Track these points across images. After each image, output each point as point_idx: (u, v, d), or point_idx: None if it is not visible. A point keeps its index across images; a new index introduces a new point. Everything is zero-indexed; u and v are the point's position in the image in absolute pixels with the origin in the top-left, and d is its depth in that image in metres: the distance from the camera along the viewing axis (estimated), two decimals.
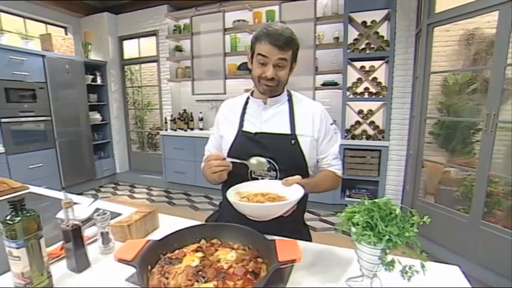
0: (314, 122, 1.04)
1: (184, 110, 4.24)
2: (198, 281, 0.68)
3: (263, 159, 0.95)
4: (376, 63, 3.08)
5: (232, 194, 0.87)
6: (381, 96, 3.08)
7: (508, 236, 1.91)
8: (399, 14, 2.79)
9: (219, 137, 1.16)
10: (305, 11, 3.33)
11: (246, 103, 1.13)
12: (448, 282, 0.73)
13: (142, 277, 0.66)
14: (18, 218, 0.67)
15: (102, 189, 4.30)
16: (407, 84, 2.91)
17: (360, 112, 3.24)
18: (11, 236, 0.66)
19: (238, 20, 3.72)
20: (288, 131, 1.02)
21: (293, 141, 1.01)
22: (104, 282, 0.76)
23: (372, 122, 3.23)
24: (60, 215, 1.13)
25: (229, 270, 0.72)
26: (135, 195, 4.06)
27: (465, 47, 2.71)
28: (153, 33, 4.19)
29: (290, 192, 0.88)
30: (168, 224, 1.11)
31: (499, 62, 1.95)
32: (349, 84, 3.20)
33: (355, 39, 3.10)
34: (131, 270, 0.76)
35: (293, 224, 1.08)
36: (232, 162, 0.96)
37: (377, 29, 3.01)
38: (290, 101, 1.08)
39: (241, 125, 1.08)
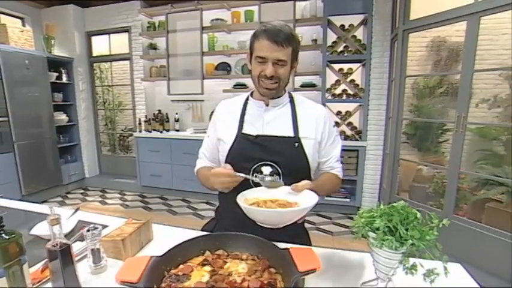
0: (317, 124, 1.02)
1: (159, 110, 4.07)
2: None
3: (280, 181, 0.90)
4: (353, 66, 3.18)
5: (241, 200, 0.82)
6: (358, 98, 3.18)
7: (474, 227, 2.08)
8: (375, 19, 2.91)
9: (216, 140, 1.10)
10: (284, 13, 3.35)
11: (245, 104, 1.08)
12: (455, 280, 0.75)
13: None
14: None
15: (69, 196, 3.98)
16: (383, 86, 3.04)
17: (339, 113, 3.33)
18: None
19: (216, 19, 3.64)
20: (291, 134, 0.99)
21: (296, 144, 0.98)
22: None
23: (350, 123, 3.33)
24: (37, 231, 1.01)
25: (243, 284, 0.68)
26: (107, 200, 3.81)
27: (435, 53, 2.89)
28: (125, 30, 3.96)
29: (299, 198, 0.85)
30: (162, 234, 1.03)
31: (467, 68, 2.10)
32: (327, 85, 3.27)
33: (334, 42, 3.17)
34: None
35: (293, 229, 1.06)
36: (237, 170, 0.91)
37: (354, 32, 3.11)
38: (292, 102, 1.05)
39: (240, 127, 1.03)
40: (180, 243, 0.79)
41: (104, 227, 1.05)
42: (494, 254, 1.94)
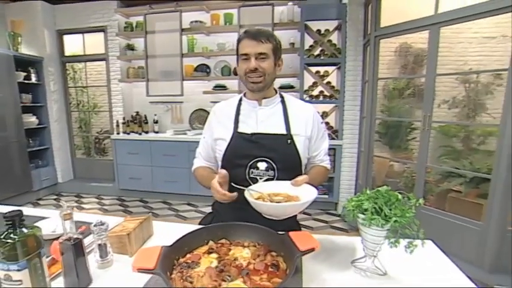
0: (307, 122, 1.11)
1: (137, 112, 4.00)
2: (224, 281, 0.69)
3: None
4: (329, 69, 3.36)
5: (248, 195, 0.89)
6: (334, 99, 3.36)
7: (439, 215, 2.31)
8: (349, 25, 3.10)
9: (212, 140, 1.15)
10: (263, 17, 3.45)
11: (239, 104, 1.14)
12: (426, 255, 0.87)
13: (169, 284, 0.65)
14: (17, 236, 0.59)
15: (41, 202, 3.77)
16: (357, 88, 3.24)
17: None
18: (9, 257, 0.58)
19: (196, 21, 3.66)
20: (283, 131, 1.07)
21: (289, 141, 1.06)
22: None
23: (327, 123, 3.50)
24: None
25: (249, 267, 0.75)
26: (84, 205, 3.67)
27: (403, 58, 3.14)
28: (101, 29, 3.85)
29: (299, 191, 0.93)
30: (161, 229, 1.07)
31: (430, 72, 2.33)
32: (305, 87, 3.42)
33: (311, 46, 3.33)
34: (137, 282, 0.74)
35: (288, 222, 1.15)
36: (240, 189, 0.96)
37: (330, 37, 3.28)
38: (283, 102, 1.13)
39: (236, 126, 1.09)
40: (186, 234, 0.84)
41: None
42: (457, 238, 2.17)
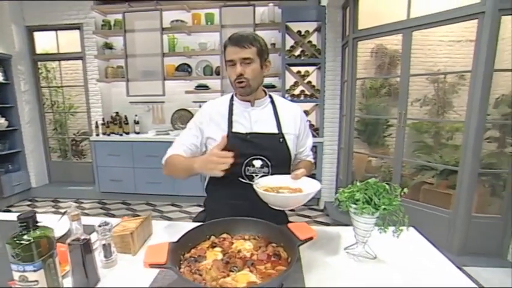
0: (295, 121, 1.19)
1: (117, 112, 3.90)
2: (232, 271, 0.74)
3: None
4: (310, 69, 3.48)
5: (257, 187, 0.94)
6: (315, 98, 3.48)
7: (414, 205, 2.50)
8: (328, 27, 3.22)
9: (201, 137, 1.17)
10: (245, 17, 3.49)
11: (231, 105, 1.18)
12: (410, 240, 0.97)
13: (181, 277, 0.68)
14: (32, 237, 0.60)
15: (13, 209, 3.57)
16: (336, 87, 3.38)
17: None
18: (25, 258, 0.59)
19: (177, 20, 3.63)
20: (275, 131, 1.14)
21: (281, 140, 1.13)
22: None
23: (308, 121, 3.61)
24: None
25: (253, 258, 0.80)
26: (62, 210, 3.51)
27: (379, 59, 3.33)
28: (76, 27, 3.70)
29: (300, 184, 1.00)
30: (159, 229, 1.09)
31: (404, 72, 2.50)
32: (287, 87, 3.51)
33: (292, 47, 3.42)
34: (143, 280, 0.77)
35: (280, 217, 1.22)
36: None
37: (310, 38, 3.40)
38: (272, 102, 1.20)
39: (230, 126, 1.14)
40: (189, 231, 0.87)
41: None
42: (429, 226, 2.35)
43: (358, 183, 0.87)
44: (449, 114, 3.20)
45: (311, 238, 0.80)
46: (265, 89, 1.24)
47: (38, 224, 0.63)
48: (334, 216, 3.07)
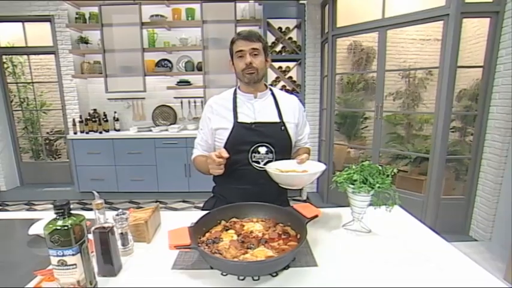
0: (295, 111, 1.29)
1: (95, 109, 3.77)
2: (249, 248, 0.81)
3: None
4: (291, 64, 3.59)
5: (271, 168, 1.05)
6: (296, 93, 3.61)
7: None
8: (308, 24, 3.35)
9: (210, 131, 1.25)
10: (226, 13, 3.51)
11: (235, 98, 1.26)
12: (397, 216, 1.11)
13: (206, 255, 0.75)
14: (70, 223, 0.64)
15: None
16: (316, 82, 3.53)
17: None
18: (64, 243, 0.63)
19: (156, 15, 3.57)
20: (277, 120, 1.23)
21: (282, 128, 1.23)
22: (151, 275, 0.78)
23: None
24: (35, 230, 1.00)
25: (265, 237, 0.88)
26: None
27: (355, 55, 3.52)
28: (47, 19, 3.50)
29: (306, 166, 1.10)
30: (166, 219, 1.13)
31: (380, 68, 2.68)
32: (269, 82, 3.60)
33: (273, 43, 3.51)
34: (161, 265, 0.82)
35: (283, 199, 1.32)
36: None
37: (290, 34, 3.51)
38: (273, 94, 1.30)
39: (235, 117, 1.21)
40: (202, 216, 0.94)
41: None
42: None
43: (354, 166, 0.98)
44: (419, 107, 3.48)
45: (316, 216, 0.90)
46: (266, 83, 1.34)
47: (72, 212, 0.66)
48: (317, 205, 3.23)
